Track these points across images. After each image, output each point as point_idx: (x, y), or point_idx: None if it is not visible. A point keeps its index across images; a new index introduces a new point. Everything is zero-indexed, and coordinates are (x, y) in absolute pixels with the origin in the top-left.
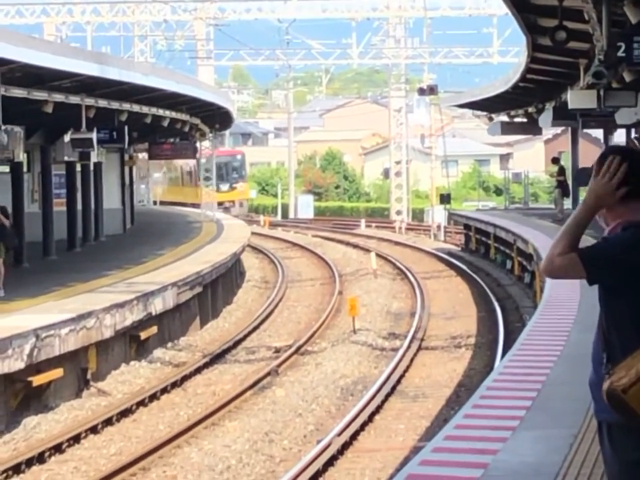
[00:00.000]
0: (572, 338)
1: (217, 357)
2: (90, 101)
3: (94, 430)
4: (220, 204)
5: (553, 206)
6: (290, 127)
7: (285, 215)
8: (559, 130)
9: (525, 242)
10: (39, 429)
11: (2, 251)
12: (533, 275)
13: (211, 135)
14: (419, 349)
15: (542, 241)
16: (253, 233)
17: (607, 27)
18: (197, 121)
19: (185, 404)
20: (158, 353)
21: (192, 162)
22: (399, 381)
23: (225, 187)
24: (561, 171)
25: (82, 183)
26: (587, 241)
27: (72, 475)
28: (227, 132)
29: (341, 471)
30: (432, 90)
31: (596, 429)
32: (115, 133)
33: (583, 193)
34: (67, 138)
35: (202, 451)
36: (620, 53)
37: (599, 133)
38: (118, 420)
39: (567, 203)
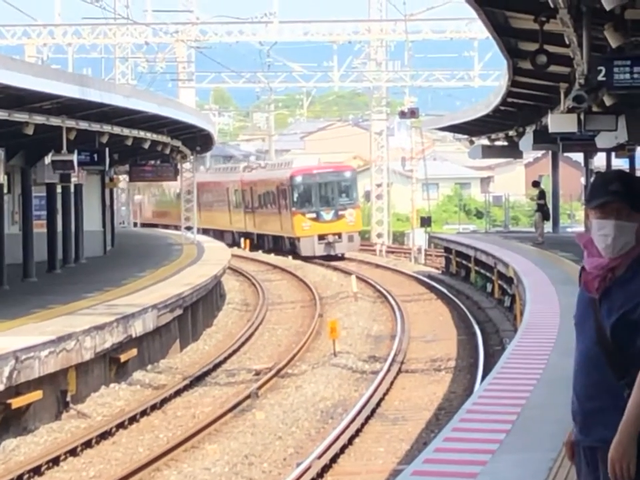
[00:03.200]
0: (551, 362)
1: (197, 380)
2: (71, 123)
3: (73, 452)
4: (321, 237)
5: (533, 229)
6: (271, 150)
7: None
8: (539, 153)
9: (506, 265)
10: (17, 451)
11: None
12: (513, 299)
13: (192, 157)
14: (399, 371)
15: (522, 264)
16: (233, 255)
17: (588, 51)
18: (178, 143)
19: (165, 426)
20: (138, 375)
21: (177, 183)
22: (378, 404)
23: (328, 214)
24: (541, 195)
25: (62, 205)
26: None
27: None
28: (208, 154)
29: None
30: (413, 113)
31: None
32: (95, 155)
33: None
34: (47, 160)
35: (181, 473)
36: (600, 77)
37: (579, 157)
38: (97, 442)
39: (547, 226)
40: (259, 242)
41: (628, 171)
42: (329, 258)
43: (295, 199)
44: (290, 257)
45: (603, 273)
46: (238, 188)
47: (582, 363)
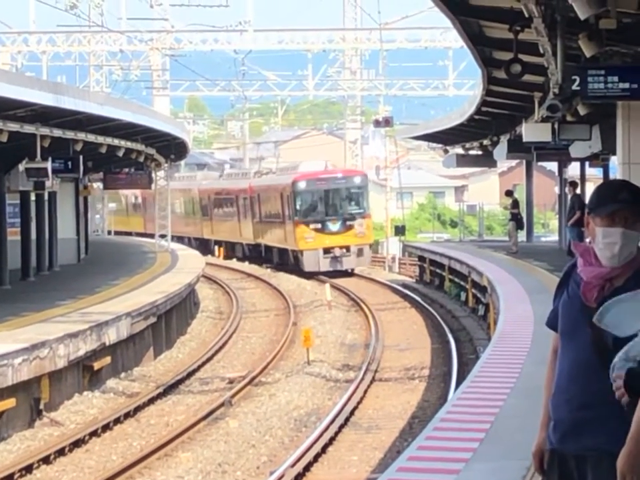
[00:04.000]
0: (525, 370)
1: (171, 388)
2: (45, 131)
3: (46, 460)
4: (327, 251)
5: (507, 238)
6: (245, 158)
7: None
8: (513, 163)
9: (480, 274)
10: None
11: None
12: (487, 307)
13: (166, 165)
14: (373, 380)
15: (496, 273)
16: (207, 264)
17: (562, 60)
18: (152, 151)
19: (138, 434)
20: (111, 383)
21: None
22: (352, 413)
23: (334, 225)
24: (515, 204)
25: (36, 213)
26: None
27: None
28: (183, 162)
29: None
30: (387, 122)
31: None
32: (69, 163)
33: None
34: (21, 167)
35: None
36: (574, 87)
37: (553, 166)
38: (70, 450)
39: (522, 236)
40: (266, 255)
41: (602, 180)
42: (336, 274)
43: (298, 207)
44: (264, 265)
45: (602, 283)
46: (247, 196)
47: (575, 371)
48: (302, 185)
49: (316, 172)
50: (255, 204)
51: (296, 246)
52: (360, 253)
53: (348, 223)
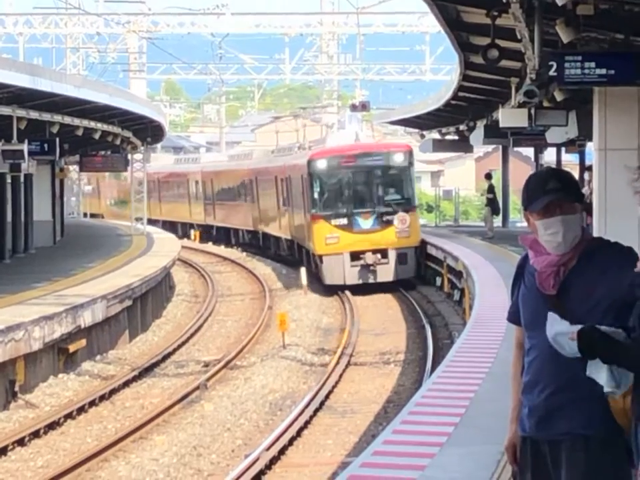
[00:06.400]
0: (500, 355)
1: (146, 371)
2: (21, 113)
3: (21, 442)
4: (355, 257)
5: (483, 224)
6: (222, 142)
7: None
8: (489, 148)
9: (455, 259)
10: None
11: None
12: (463, 292)
13: (142, 148)
14: (348, 364)
15: (472, 258)
16: (183, 247)
17: (539, 46)
18: (128, 134)
19: (113, 417)
20: (87, 365)
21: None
22: (327, 397)
23: (366, 221)
24: (490, 189)
25: (12, 195)
26: None
27: None
28: (159, 145)
29: None
30: (364, 106)
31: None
32: (46, 145)
33: (514, 211)
34: None
35: (129, 464)
36: (551, 72)
37: (529, 152)
38: (45, 432)
39: (497, 221)
40: (299, 253)
41: (578, 166)
42: (367, 288)
43: (315, 196)
44: (239, 249)
45: (557, 269)
46: (272, 177)
47: (545, 359)
48: (320, 165)
49: (341, 147)
50: (283, 188)
51: (313, 249)
52: (402, 259)
53: (385, 217)
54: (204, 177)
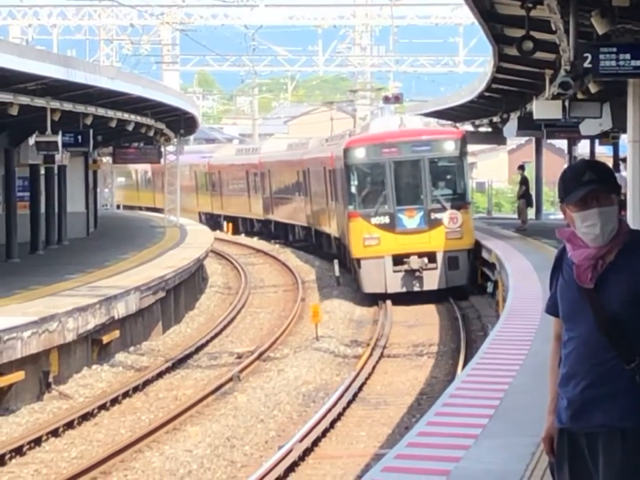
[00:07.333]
0: (534, 348)
1: (179, 362)
2: (55, 104)
3: (55, 433)
4: (398, 261)
5: (516, 216)
6: (255, 134)
7: None
8: (523, 140)
9: (489, 251)
10: None
11: None
12: (496, 284)
13: (175, 139)
14: (381, 356)
15: (505, 250)
16: (216, 239)
17: (574, 37)
18: (161, 125)
19: (147, 408)
20: (120, 357)
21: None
22: (360, 388)
23: (412, 219)
24: (524, 181)
25: (46, 186)
26: None
27: (32, 478)
28: (192, 137)
29: (302, 477)
30: (397, 98)
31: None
32: (79, 137)
33: (547, 203)
34: (31, 141)
35: (163, 455)
36: (586, 64)
37: (563, 144)
38: (79, 423)
39: (531, 213)
40: (344, 254)
41: (612, 158)
42: (412, 297)
43: (352, 190)
44: (272, 241)
45: (594, 262)
46: (323, 168)
47: (583, 351)
48: (358, 155)
49: (382, 134)
50: (307, 181)
51: (350, 251)
52: (452, 264)
53: (433, 215)
54: (262, 168)
